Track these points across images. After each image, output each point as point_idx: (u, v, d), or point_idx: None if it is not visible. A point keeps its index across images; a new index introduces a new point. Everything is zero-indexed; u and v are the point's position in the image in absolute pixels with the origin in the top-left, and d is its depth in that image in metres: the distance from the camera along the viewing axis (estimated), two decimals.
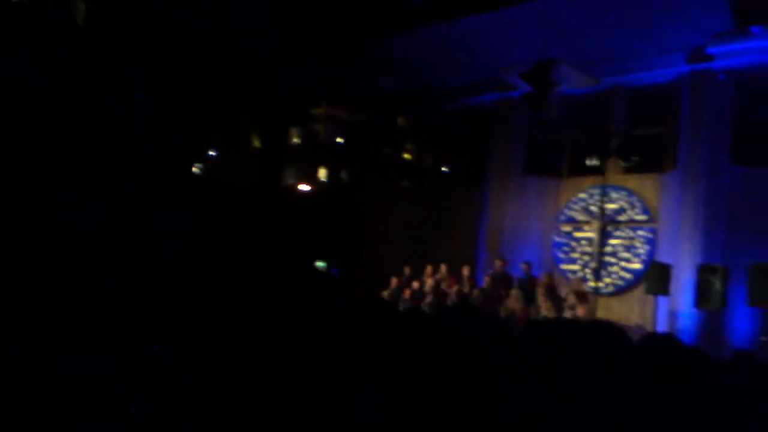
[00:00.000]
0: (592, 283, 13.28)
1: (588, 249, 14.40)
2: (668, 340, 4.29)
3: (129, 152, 13.03)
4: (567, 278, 14.45)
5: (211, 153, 15.85)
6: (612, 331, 4.10)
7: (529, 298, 12.14)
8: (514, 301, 11.97)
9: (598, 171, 13.79)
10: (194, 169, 15.13)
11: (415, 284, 13.69)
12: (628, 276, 13.87)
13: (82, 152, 12.53)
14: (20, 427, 3.29)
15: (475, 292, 12.86)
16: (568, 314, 11.74)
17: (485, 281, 13.34)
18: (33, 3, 12.84)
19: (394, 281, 13.99)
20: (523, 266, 13.42)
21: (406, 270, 14.19)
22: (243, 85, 15.25)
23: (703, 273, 11.38)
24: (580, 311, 11.39)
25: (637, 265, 13.77)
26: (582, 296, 12.15)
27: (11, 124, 11.81)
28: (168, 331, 4.14)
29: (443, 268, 13.83)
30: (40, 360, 3.56)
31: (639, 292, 13.47)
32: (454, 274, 13.80)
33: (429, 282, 13.58)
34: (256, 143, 16.63)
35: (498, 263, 13.59)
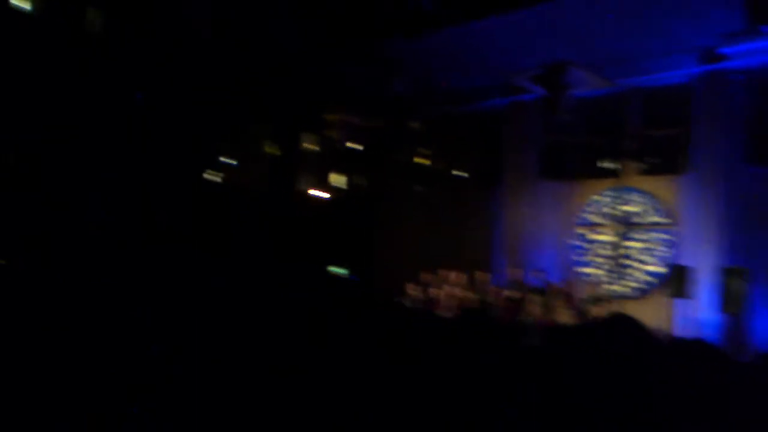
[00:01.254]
0: (610, 287, 13.16)
1: (606, 252, 14.31)
2: (697, 343, 4.21)
3: (142, 160, 13.03)
4: (586, 282, 14.36)
5: (224, 160, 15.84)
6: (635, 329, 4.02)
7: (546, 305, 12.02)
8: (533, 307, 11.88)
9: (613, 173, 13.69)
10: (208, 176, 15.12)
11: (434, 291, 13.61)
12: (647, 279, 13.76)
13: (101, 159, 12.55)
14: (21, 426, 3.27)
15: (496, 293, 12.72)
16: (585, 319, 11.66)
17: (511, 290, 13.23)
18: (44, 12, 12.85)
19: (411, 287, 13.90)
20: (535, 273, 13.25)
21: (423, 276, 14.11)
22: (255, 91, 15.26)
23: (725, 275, 11.27)
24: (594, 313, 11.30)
25: (656, 268, 13.66)
26: (597, 300, 12.06)
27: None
28: (189, 334, 4.12)
29: (458, 274, 13.73)
30: (41, 359, 3.55)
31: (659, 295, 13.37)
32: (470, 279, 13.71)
33: (445, 288, 13.49)
34: (270, 150, 16.62)
35: (514, 271, 13.45)
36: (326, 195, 16.51)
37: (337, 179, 17.05)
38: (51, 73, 12.16)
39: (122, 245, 11.00)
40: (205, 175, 14.86)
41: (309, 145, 16.78)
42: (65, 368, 3.51)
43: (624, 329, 4.08)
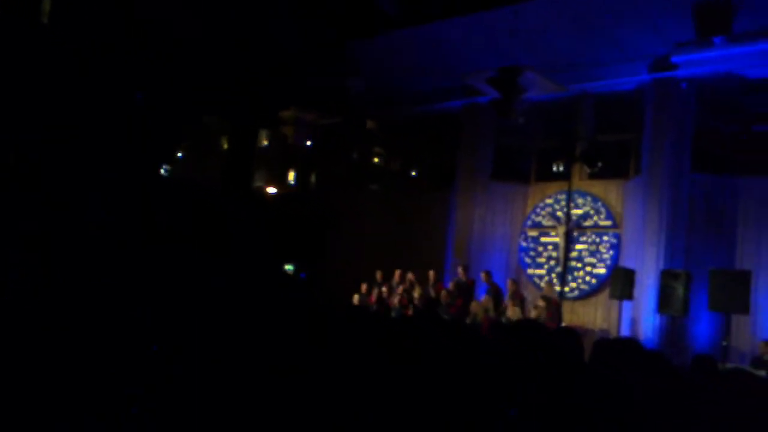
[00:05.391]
0: (557, 288, 13.42)
1: (554, 254, 14.58)
2: (630, 344, 4.39)
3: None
4: (534, 283, 14.60)
5: (178, 154, 15.73)
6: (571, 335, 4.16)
7: (493, 305, 12.17)
8: (476, 306, 12.05)
9: (564, 177, 13.93)
10: (161, 171, 15.01)
11: (384, 289, 13.70)
12: (592, 281, 14.06)
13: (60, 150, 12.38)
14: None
15: (443, 293, 12.83)
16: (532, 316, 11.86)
17: (450, 286, 13.36)
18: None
19: (364, 286, 13.96)
20: (482, 275, 13.35)
21: (378, 275, 14.19)
22: (212, 86, 15.18)
23: (666, 278, 11.53)
24: (542, 314, 11.49)
25: (601, 270, 13.96)
26: (548, 301, 12.27)
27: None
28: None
29: (410, 274, 13.82)
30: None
31: (604, 296, 13.66)
32: (422, 278, 13.81)
33: (399, 288, 13.59)
34: (225, 145, 16.54)
35: (461, 270, 13.56)
36: (281, 191, 16.49)
37: (292, 176, 17.04)
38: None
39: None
40: (159, 170, 14.75)
41: (264, 142, 16.75)
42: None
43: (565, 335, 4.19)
